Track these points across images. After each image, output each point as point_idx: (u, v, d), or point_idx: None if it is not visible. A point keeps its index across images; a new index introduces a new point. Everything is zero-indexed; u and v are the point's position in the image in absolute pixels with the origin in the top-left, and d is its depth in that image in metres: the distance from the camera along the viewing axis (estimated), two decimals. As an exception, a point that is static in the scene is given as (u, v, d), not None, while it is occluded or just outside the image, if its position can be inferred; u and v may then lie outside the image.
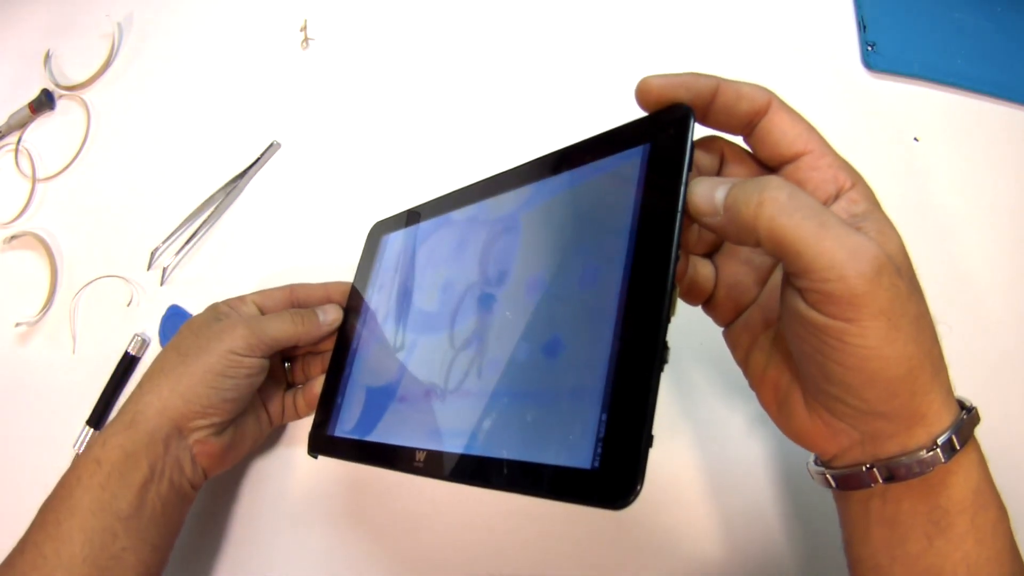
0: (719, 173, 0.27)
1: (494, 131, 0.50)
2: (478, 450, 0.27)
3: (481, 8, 0.55)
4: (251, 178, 0.55)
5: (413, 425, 0.32)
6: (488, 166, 0.34)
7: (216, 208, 0.55)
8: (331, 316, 0.41)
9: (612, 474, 0.21)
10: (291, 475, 0.44)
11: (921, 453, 0.22)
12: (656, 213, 0.23)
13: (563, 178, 0.28)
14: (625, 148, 0.25)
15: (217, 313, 0.39)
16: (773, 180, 0.20)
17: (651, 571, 0.36)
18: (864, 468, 0.23)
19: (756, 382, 0.27)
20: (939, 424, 0.22)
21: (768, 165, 0.25)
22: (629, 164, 0.25)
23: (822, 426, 0.23)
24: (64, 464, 0.36)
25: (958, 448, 0.22)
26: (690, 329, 0.30)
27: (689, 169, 0.22)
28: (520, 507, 0.38)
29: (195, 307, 0.51)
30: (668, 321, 0.21)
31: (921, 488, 0.22)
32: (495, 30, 0.54)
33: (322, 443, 0.38)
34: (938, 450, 0.21)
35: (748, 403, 0.38)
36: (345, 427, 0.37)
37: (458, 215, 0.35)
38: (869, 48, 0.45)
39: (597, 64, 0.50)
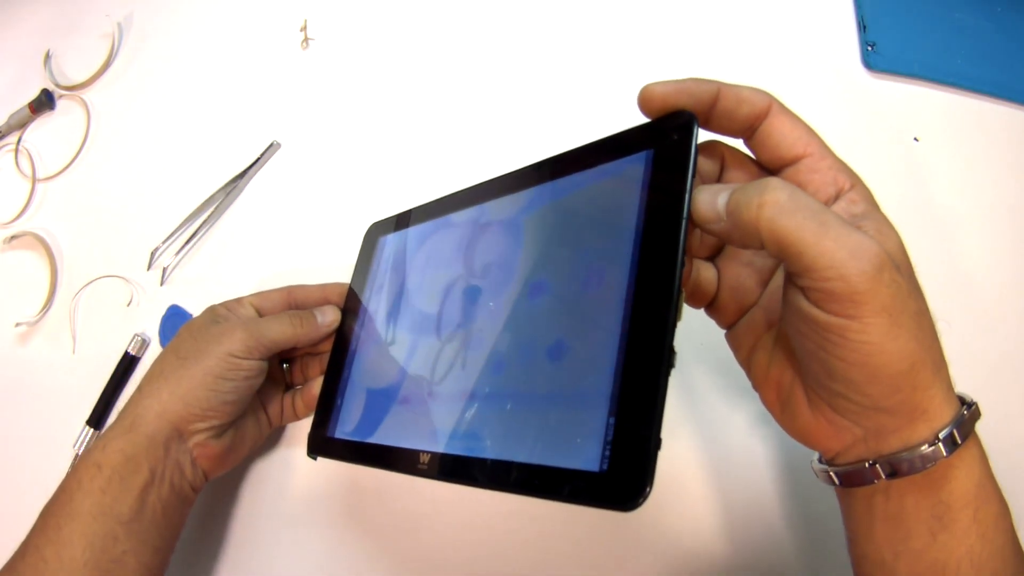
0: (720, 177, 0.27)
1: (494, 133, 0.50)
2: (481, 452, 0.27)
3: (481, 8, 0.55)
4: (251, 178, 0.55)
5: (416, 427, 0.32)
6: (488, 168, 0.34)
7: (216, 208, 0.55)
8: (329, 317, 0.41)
9: (621, 477, 0.21)
10: (291, 476, 0.44)
11: (923, 448, 0.22)
12: (661, 219, 0.23)
13: (565, 182, 0.28)
14: (628, 154, 0.25)
15: (215, 316, 0.39)
16: (772, 182, 0.21)
17: (652, 570, 0.36)
18: (867, 465, 0.23)
19: (759, 382, 0.27)
20: (941, 419, 0.22)
21: (768, 168, 0.26)
22: (632, 170, 0.25)
23: (825, 424, 0.23)
24: (64, 464, 0.37)
25: (960, 442, 0.22)
26: (691, 330, 0.30)
27: (693, 176, 0.22)
28: (520, 507, 0.39)
29: (195, 307, 0.51)
30: (675, 326, 0.21)
31: (924, 483, 0.23)
32: (495, 30, 0.54)
33: (321, 444, 0.38)
34: (940, 444, 0.22)
35: (749, 403, 0.38)
36: (345, 428, 0.37)
37: (458, 217, 0.35)
38: (869, 48, 0.45)
39: (597, 65, 0.50)
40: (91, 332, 0.54)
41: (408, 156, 0.52)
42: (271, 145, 0.56)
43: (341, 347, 0.40)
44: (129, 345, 0.50)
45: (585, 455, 0.22)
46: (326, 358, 0.41)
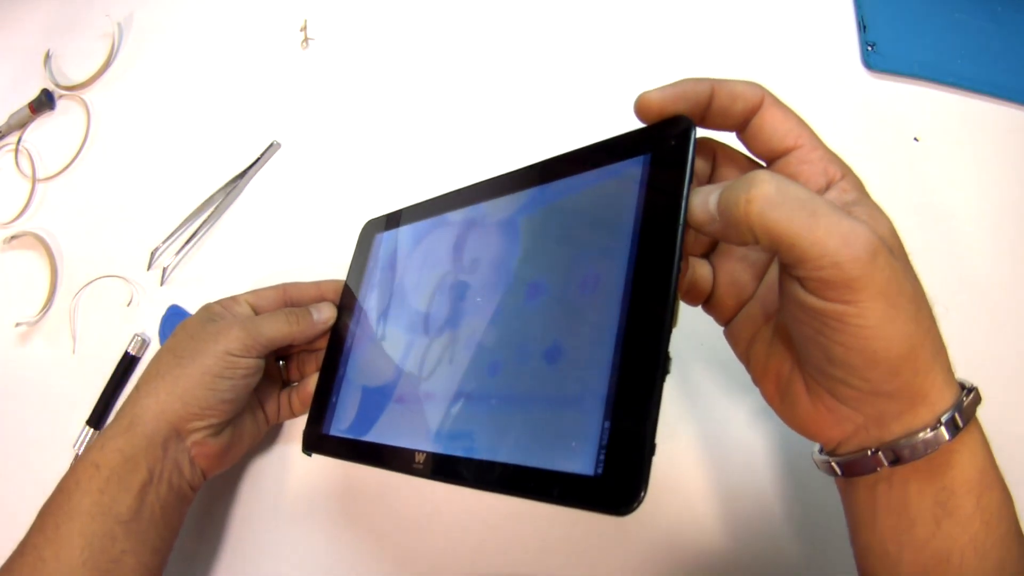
0: (712, 174, 0.27)
1: (493, 133, 0.50)
2: (477, 453, 0.27)
3: (481, 8, 0.55)
4: (251, 178, 0.55)
5: (411, 426, 0.32)
6: (486, 169, 0.34)
7: (216, 208, 0.55)
8: (325, 314, 0.41)
9: (615, 481, 0.21)
10: (288, 473, 0.44)
11: (925, 432, 0.22)
12: (658, 224, 0.23)
13: (562, 184, 0.28)
14: (625, 158, 0.25)
15: (211, 314, 0.39)
16: (759, 175, 0.21)
17: (653, 569, 0.36)
18: (869, 452, 0.23)
19: (758, 375, 0.27)
20: (942, 403, 0.22)
21: (760, 160, 0.26)
22: (629, 174, 0.25)
23: (826, 412, 0.23)
24: (64, 464, 0.37)
25: (961, 426, 0.22)
26: (689, 329, 0.30)
27: (690, 182, 0.22)
28: (520, 507, 0.38)
29: (195, 307, 0.50)
30: (671, 332, 0.21)
31: (927, 469, 0.22)
32: (495, 30, 0.54)
33: (316, 441, 0.38)
34: (942, 428, 0.21)
35: (748, 399, 0.38)
36: (340, 426, 0.37)
37: (455, 216, 0.35)
38: (869, 48, 0.45)
39: (596, 66, 0.50)
40: (91, 332, 0.54)
41: (408, 156, 0.52)
42: (271, 145, 0.56)
43: (336, 344, 0.40)
44: (129, 345, 0.50)
45: (580, 459, 0.22)
46: (322, 355, 0.41)
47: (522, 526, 0.38)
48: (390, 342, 0.36)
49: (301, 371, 0.44)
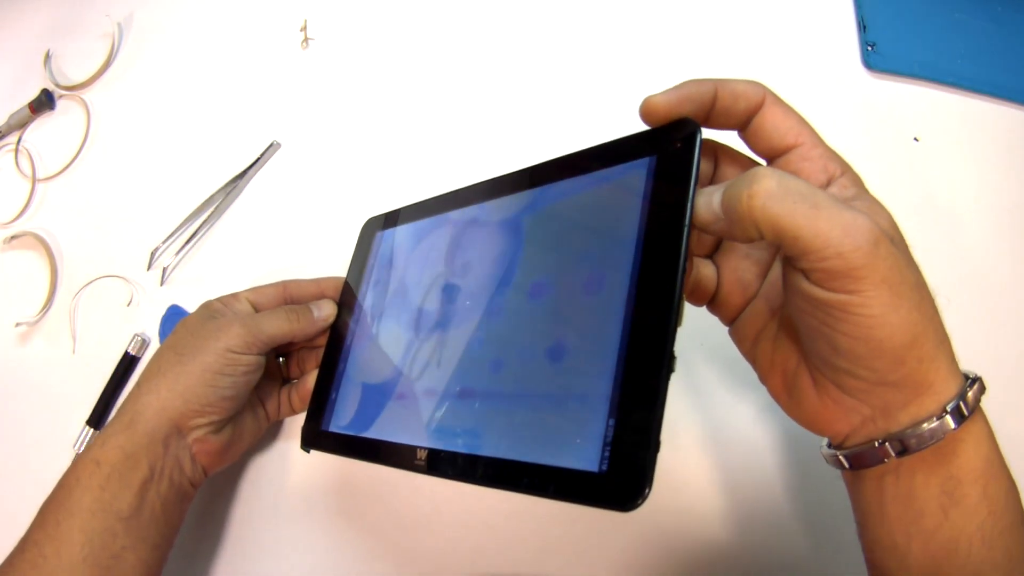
0: (714, 174, 0.27)
1: (493, 134, 0.50)
2: (480, 449, 0.27)
3: (481, 8, 0.55)
4: (251, 178, 0.56)
5: (411, 423, 0.32)
6: (487, 170, 0.34)
7: (216, 208, 0.55)
8: (325, 311, 0.41)
9: (620, 478, 0.21)
10: (289, 471, 0.44)
11: (931, 421, 0.22)
12: (664, 226, 0.23)
13: (566, 184, 0.29)
14: (631, 159, 0.26)
15: (211, 311, 0.39)
16: (760, 171, 0.21)
17: (657, 565, 0.36)
18: (876, 444, 0.23)
19: (765, 371, 0.27)
20: (947, 392, 0.22)
21: (762, 158, 0.26)
22: (635, 176, 0.25)
23: (832, 405, 0.24)
24: (64, 464, 0.36)
25: (966, 415, 0.22)
26: (694, 328, 0.30)
27: (695, 184, 0.23)
28: (520, 506, 0.38)
29: (195, 307, 0.51)
30: (676, 331, 0.22)
31: (933, 459, 0.23)
32: (495, 30, 0.54)
33: (315, 438, 0.38)
34: (948, 416, 0.22)
35: (752, 397, 0.38)
36: (340, 422, 0.37)
37: (457, 215, 0.35)
38: (869, 48, 0.45)
39: (597, 67, 0.50)
40: (91, 332, 0.54)
41: (408, 156, 0.52)
42: (271, 145, 0.56)
43: (336, 341, 0.40)
44: (129, 345, 0.50)
45: (585, 455, 0.23)
46: (322, 352, 0.41)
47: (522, 525, 0.38)
48: (390, 339, 0.36)
49: (301, 368, 0.44)
